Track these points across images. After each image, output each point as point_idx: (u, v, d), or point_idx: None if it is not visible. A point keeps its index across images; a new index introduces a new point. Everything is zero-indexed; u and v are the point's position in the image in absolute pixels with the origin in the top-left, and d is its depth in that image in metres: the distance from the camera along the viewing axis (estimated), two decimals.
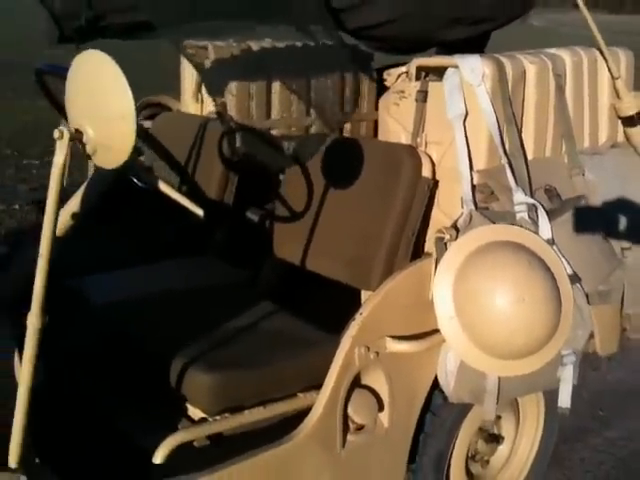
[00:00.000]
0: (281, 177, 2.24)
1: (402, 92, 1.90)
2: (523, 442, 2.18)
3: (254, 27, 2.20)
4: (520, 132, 1.79)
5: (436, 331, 1.65)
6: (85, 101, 1.02)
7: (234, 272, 2.19)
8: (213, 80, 2.58)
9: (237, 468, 1.43)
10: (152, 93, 2.89)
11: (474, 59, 1.72)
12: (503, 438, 2.13)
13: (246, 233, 2.33)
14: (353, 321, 1.58)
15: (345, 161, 1.91)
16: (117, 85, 1.00)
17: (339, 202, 1.91)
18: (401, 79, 1.94)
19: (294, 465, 1.52)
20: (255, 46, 2.55)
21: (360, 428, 1.63)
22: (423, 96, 1.83)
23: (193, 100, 2.71)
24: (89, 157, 1.06)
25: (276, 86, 2.53)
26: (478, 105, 1.71)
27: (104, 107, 1.01)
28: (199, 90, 2.67)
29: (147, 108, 2.87)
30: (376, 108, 2.30)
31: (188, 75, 2.66)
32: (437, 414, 1.84)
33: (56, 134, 1.02)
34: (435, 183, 1.80)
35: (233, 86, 2.47)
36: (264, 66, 2.51)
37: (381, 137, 2.00)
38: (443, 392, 1.80)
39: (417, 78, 1.87)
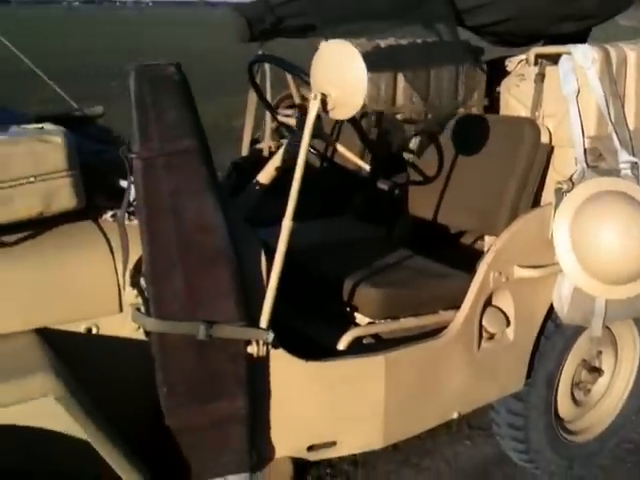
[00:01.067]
0: (405, 155, 2.67)
1: (522, 75, 2.32)
2: (620, 376, 2.56)
3: (385, 29, 2.69)
4: (623, 106, 2.19)
5: (554, 264, 2.06)
6: (329, 73, 1.49)
7: (372, 229, 2.65)
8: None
9: (397, 354, 1.87)
10: None
11: (585, 47, 2.13)
12: (603, 371, 2.51)
13: (379, 198, 2.79)
14: (488, 252, 2.02)
15: (472, 131, 2.34)
16: (353, 61, 1.47)
17: (467, 166, 2.35)
18: (521, 65, 2.36)
19: (441, 358, 1.96)
20: (382, 43, 3.01)
21: (491, 337, 2.06)
22: (541, 78, 2.25)
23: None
24: (327, 112, 1.54)
25: (400, 77, 2.98)
26: (588, 84, 2.12)
27: (342, 77, 1.48)
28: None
29: (283, 100, 3.37)
30: (487, 96, 2.74)
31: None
32: (549, 338, 2.24)
33: (312, 96, 1.49)
34: (551, 149, 2.22)
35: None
36: (390, 60, 2.97)
37: (502, 113, 2.43)
38: (555, 320, 2.21)
39: (535, 64, 2.29)
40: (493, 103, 2.69)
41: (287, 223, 1.57)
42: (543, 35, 2.55)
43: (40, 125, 1.55)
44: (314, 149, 2.31)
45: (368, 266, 2.14)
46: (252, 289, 1.61)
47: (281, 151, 2.04)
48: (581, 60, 2.11)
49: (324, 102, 1.49)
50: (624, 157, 2.09)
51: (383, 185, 2.92)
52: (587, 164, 2.10)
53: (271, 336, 1.60)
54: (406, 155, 2.66)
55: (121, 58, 6.29)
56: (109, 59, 13.53)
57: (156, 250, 1.49)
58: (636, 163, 2.09)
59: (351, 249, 2.36)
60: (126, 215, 1.59)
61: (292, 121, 2.45)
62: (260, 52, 2.65)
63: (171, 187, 1.46)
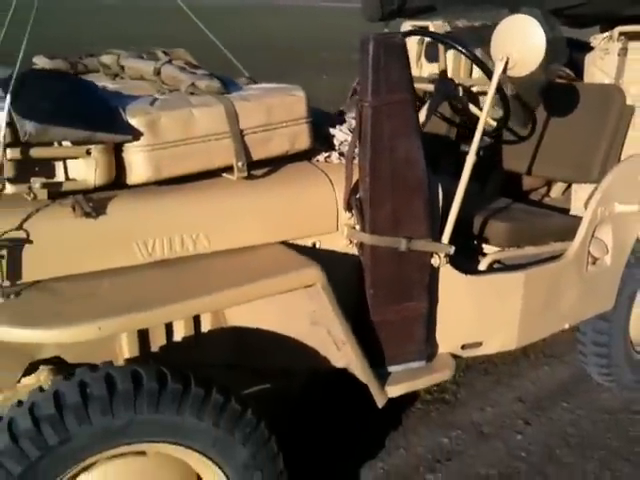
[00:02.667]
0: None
1: (606, 50, 2.77)
2: None
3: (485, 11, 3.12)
4: None
5: None
6: (511, 40, 1.92)
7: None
8: (432, 51, 3.50)
9: (533, 272, 2.32)
10: None
11: None
12: None
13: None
14: (597, 191, 2.48)
15: (562, 96, 2.78)
16: (535, 30, 1.90)
17: (558, 126, 2.79)
18: (604, 42, 2.81)
19: (561, 277, 2.42)
20: (460, 24, 3.45)
21: (594, 262, 2.52)
22: (624, 52, 2.70)
23: (414, 66, 3.61)
24: (505, 72, 1.96)
25: (477, 52, 3.42)
26: None
27: (524, 42, 1.91)
28: (419, 58, 3.58)
29: None
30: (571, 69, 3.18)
31: (411, 47, 3.56)
32: (630, 268, 2.71)
33: (499, 57, 1.92)
34: (633, 110, 2.68)
35: (449, 54, 3.37)
36: (467, 39, 3.41)
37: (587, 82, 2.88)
38: (636, 253, 2.67)
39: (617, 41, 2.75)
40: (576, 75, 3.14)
41: (471, 158, 2.00)
42: (613, 17, 3.01)
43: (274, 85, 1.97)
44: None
45: (486, 209, 2.58)
46: (435, 214, 2.05)
47: (424, 109, 2.46)
48: None
49: (506, 63, 1.93)
50: None
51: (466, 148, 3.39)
52: None
53: (452, 249, 2.04)
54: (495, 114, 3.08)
55: None
56: None
57: (375, 181, 1.92)
58: None
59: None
60: (336, 155, 2.02)
61: None
62: (386, 30, 3.08)
63: (390, 129, 1.89)
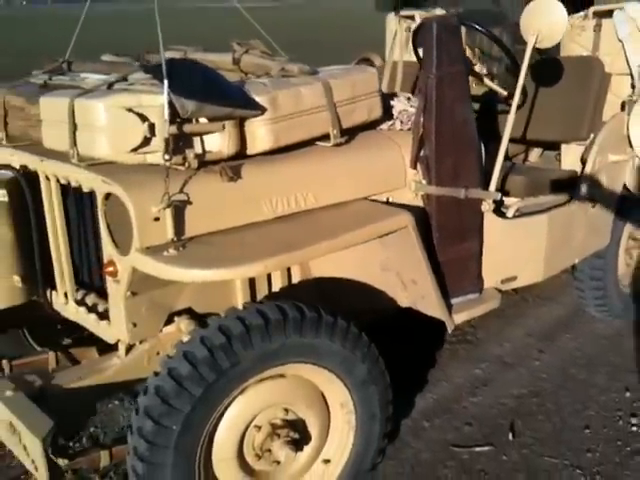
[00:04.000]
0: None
1: (582, 27, 3.26)
2: None
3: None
4: None
5: (628, 153, 3.02)
6: (539, 19, 2.34)
7: None
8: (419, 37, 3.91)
9: (553, 214, 2.76)
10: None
11: (635, 3, 3.09)
12: None
13: None
14: (593, 145, 2.94)
15: (551, 68, 3.25)
16: (558, 9, 2.33)
17: (548, 94, 3.25)
18: (580, 20, 3.29)
19: (573, 217, 2.87)
20: (439, 12, 3.88)
21: (594, 205, 2.99)
22: (599, 28, 3.19)
23: (399, 55, 4.01)
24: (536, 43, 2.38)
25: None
26: (637, 29, 3.08)
27: (550, 19, 2.33)
28: (406, 47, 3.98)
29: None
30: None
31: (398, 35, 3.95)
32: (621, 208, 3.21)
33: (531, 33, 2.34)
34: (609, 76, 3.17)
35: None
36: None
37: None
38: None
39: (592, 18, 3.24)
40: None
41: (511, 117, 2.42)
42: None
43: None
44: None
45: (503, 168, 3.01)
46: (482, 167, 2.46)
47: None
48: (631, 12, 3.07)
49: (537, 38, 2.35)
50: None
51: None
52: None
53: (499, 195, 2.45)
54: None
55: None
56: None
57: (439, 140, 2.31)
58: None
59: None
60: (400, 124, 2.40)
61: None
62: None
63: (451, 96, 2.28)
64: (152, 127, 1.83)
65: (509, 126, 2.44)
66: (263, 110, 1.97)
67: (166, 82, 1.78)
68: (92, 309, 2.17)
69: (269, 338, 1.86)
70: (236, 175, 1.94)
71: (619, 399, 2.88)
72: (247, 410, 1.96)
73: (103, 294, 2.13)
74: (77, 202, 2.15)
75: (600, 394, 2.93)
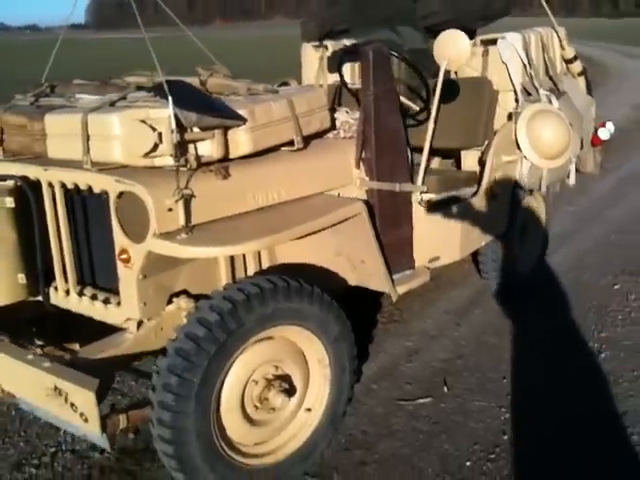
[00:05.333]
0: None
1: (473, 52, 3.92)
2: None
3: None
4: (544, 61, 3.89)
5: (517, 154, 3.69)
6: (448, 47, 2.93)
7: None
8: (331, 64, 4.46)
9: (462, 204, 3.37)
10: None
11: (513, 33, 3.79)
12: None
13: None
14: (490, 148, 3.58)
15: (450, 87, 3.89)
16: (462, 39, 2.94)
17: (451, 109, 3.88)
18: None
19: (478, 207, 3.48)
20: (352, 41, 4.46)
21: (495, 197, 3.63)
22: (486, 53, 3.87)
23: (316, 78, 4.54)
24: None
25: None
26: (517, 55, 3.78)
27: (457, 47, 2.94)
28: (321, 70, 4.52)
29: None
30: None
31: (313, 60, 4.47)
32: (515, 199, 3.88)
33: (443, 58, 2.93)
34: (497, 93, 3.85)
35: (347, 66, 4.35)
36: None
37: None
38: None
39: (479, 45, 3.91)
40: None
41: (430, 126, 2.99)
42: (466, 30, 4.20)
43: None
44: None
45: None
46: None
47: None
48: (512, 41, 3.78)
49: (447, 62, 2.95)
50: (542, 92, 3.79)
51: None
52: (524, 98, 3.76)
53: (425, 188, 3.01)
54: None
55: None
56: None
57: (378, 145, 2.83)
58: (548, 95, 3.81)
59: None
60: (343, 132, 2.92)
61: None
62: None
63: (386, 109, 2.82)
64: (160, 135, 2.23)
65: (430, 133, 3.01)
66: (244, 120, 2.41)
67: (170, 98, 2.19)
68: (94, 298, 2.50)
69: (265, 303, 2.29)
70: (227, 174, 2.37)
71: (520, 354, 3.50)
72: (247, 367, 2.37)
73: (100, 286, 2.48)
74: (82, 204, 2.48)
75: (506, 352, 3.54)
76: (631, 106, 11.69)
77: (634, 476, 2.58)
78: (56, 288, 2.61)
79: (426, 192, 3.05)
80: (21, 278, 2.54)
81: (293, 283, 2.38)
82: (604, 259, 4.84)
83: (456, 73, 4.10)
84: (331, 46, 4.36)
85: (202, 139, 2.34)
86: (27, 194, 2.48)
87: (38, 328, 2.77)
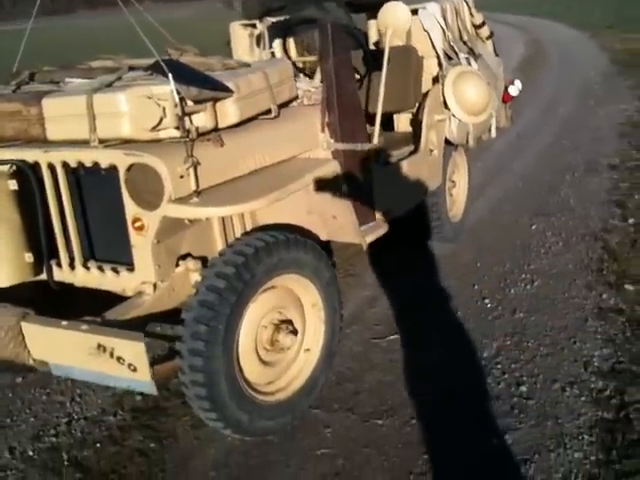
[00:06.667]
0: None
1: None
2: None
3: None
4: (458, 29, 4.31)
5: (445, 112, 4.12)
6: (391, 17, 3.27)
7: None
8: (262, 40, 4.71)
9: (408, 161, 3.76)
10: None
11: (432, 3, 4.19)
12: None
13: None
14: (427, 108, 3.98)
15: (380, 56, 4.25)
16: (402, 10, 3.29)
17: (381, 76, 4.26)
18: None
19: (420, 162, 3.88)
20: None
21: (431, 153, 4.04)
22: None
23: (247, 54, 4.76)
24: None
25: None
26: (437, 23, 4.19)
27: (397, 17, 3.29)
28: (251, 46, 4.74)
29: None
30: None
31: (244, 37, 4.68)
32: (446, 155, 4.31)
33: (385, 28, 3.26)
34: (422, 58, 4.25)
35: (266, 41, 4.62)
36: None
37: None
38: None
39: None
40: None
41: (382, 89, 3.33)
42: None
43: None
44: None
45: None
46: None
47: None
48: (431, 10, 4.18)
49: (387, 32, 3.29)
50: (462, 56, 4.23)
51: None
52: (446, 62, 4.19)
53: (377, 146, 3.36)
54: None
55: None
56: None
57: (341, 110, 3.15)
58: (467, 57, 4.25)
59: None
60: (307, 100, 3.21)
61: None
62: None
63: (344, 76, 3.13)
64: (164, 110, 2.43)
65: (381, 96, 3.36)
66: (231, 92, 2.65)
67: (171, 75, 2.41)
68: (101, 270, 2.68)
69: (270, 255, 2.57)
70: (223, 142, 2.61)
71: (468, 291, 3.96)
72: (257, 314, 2.64)
73: (104, 258, 2.67)
74: (84, 181, 2.64)
75: (456, 289, 3.99)
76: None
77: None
78: (59, 265, 2.75)
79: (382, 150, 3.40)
80: (28, 257, 2.67)
81: (291, 236, 2.67)
82: (517, 204, 5.41)
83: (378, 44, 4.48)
84: (259, 24, 4.63)
85: (198, 111, 2.56)
86: (28, 176, 2.61)
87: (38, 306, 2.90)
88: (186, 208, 2.41)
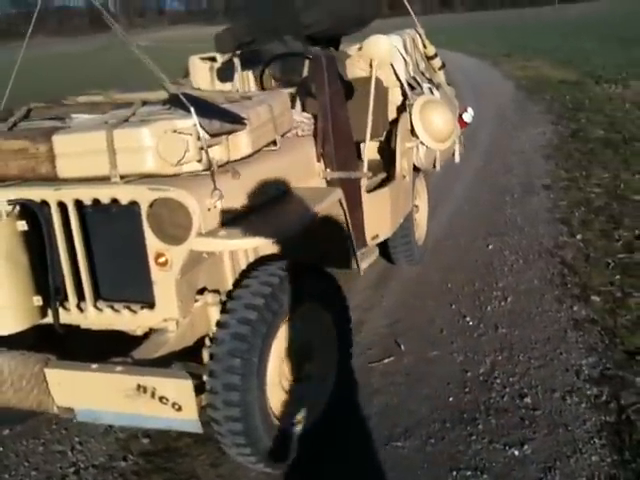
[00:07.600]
0: None
1: (360, 55, 4.44)
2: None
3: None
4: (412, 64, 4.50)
5: (414, 141, 4.27)
6: (374, 49, 3.39)
7: None
8: (223, 74, 4.73)
9: (389, 188, 3.88)
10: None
11: (394, 36, 4.36)
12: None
13: None
14: (398, 133, 4.11)
15: (348, 87, 4.37)
16: (385, 41, 3.43)
17: (351, 107, 4.37)
18: (356, 50, 4.47)
19: (398, 188, 4.01)
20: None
21: (404, 178, 4.18)
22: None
23: (208, 86, 4.77)
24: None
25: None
26: (399, 54, 4.36)
27: (379, 49, 3.41)
28: (212, 80, 4.76)
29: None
30: None
31: (202, 71, 4.68)
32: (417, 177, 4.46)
33: (372, 60, 3.37)
34: (387, 89, 4.40)
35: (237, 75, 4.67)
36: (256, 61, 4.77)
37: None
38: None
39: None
40: None
41: (369, 120, 3.43)
42: (342, 35, 4.70)
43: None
44: None
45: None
46: None
47: None
48: (394, 42, 4.35)
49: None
50: (425, 86, 4.42)
51: None
52: (411, 92, 4.36)
53: (370, 174, 3.45)
54: None
55: None
56: None
57: (336, 140, 3.22)
58: (430, 88, 4.44)
59: None
60: (301, 131, 3.26)
61: None
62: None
63: (337, 108, 3.20)
64: (187, 143, 2.42)
65: (369, 125, 3.46)
66: (246, 125, 2.67)
67: (193, 109, 2.41)
68: (114, 309, 2.61)
69: (293, 284, 2.58)
70: (239, 174, 2.62)
71: (447, 310, 4.09)
72: (282, 344, 2.64)
73: (114, 298, 2.61)
74: (97, 219, 2.56)
75: (434, 309, 4.11)
76: None
77: None
78: (64, 307, 2.65)
79: (370, 177, 3.49)
80: (37, 300, 2.56)
81: (306, 264, 2.70)
82: (468, 226, 5.64)
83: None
84: (219, 58, 4.65)
85: (217, 144, 2.56)
86: (37, 216, 2.51)
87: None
88: (215, 241, 2.39)
